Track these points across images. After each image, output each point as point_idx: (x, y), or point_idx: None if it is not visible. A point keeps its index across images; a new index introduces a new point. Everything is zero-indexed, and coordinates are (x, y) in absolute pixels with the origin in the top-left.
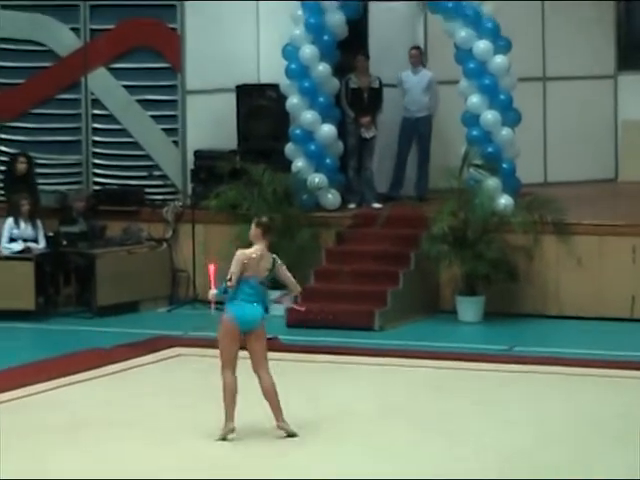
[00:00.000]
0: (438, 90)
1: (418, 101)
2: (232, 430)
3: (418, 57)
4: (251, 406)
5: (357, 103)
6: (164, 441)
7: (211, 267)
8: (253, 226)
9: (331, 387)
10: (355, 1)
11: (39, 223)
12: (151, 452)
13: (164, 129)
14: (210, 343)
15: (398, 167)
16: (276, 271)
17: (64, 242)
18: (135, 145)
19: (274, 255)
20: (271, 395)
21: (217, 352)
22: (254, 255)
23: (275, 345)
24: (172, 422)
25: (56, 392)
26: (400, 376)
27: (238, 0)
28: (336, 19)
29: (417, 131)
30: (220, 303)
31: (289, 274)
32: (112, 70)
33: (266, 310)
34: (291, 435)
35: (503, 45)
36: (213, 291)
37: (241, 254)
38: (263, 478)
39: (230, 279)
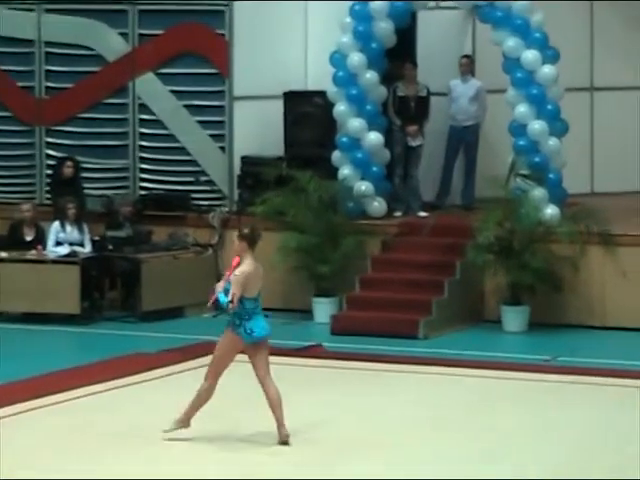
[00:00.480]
0: (486, 99)
1: (465, 110)
2: (183, 427)
3: (468, 66)
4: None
5: (404, 111)
6: (208, 446)
7: (235, 260)
8: (237, 240)
9: (374, 395)
10: (404, 9)
11: (85, 227)
12: (196, 456)
13: (211, 135)
14: None
15: (444, 176)
16: None
17: (110, 246)
18: (182, 150)
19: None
20: (277, 404)
21: None
22: (252, 272)
23: (319, 353)
24: (215, 427)
25: (101, 396)
26: (444, 385)
27: (287, 3)
28: (384, 27)
29: (464, 140)
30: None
31: None
32: (160, 75)
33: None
34: (283, 443)
35: (551, 55)
36: (220, 288)
37: (241, 275)
38: None
39: (232, 301)
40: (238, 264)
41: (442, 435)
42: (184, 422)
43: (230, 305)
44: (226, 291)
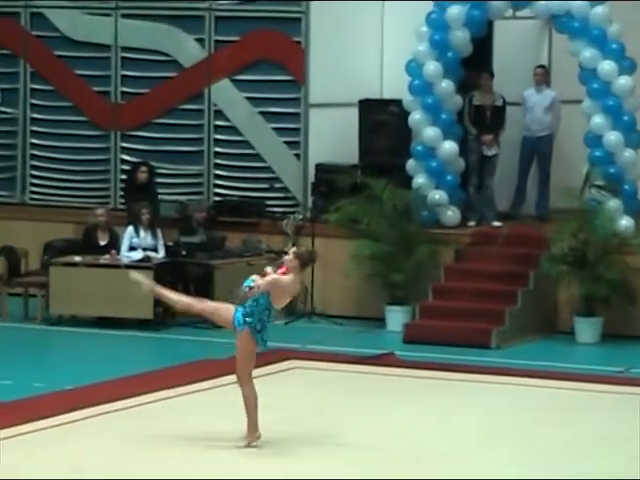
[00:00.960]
0: (561, 110)
1: (540, 120)
2: (258, 437)
3: (543, 76)
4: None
5: (480, 121)
6: (274, 455)
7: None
8: (291, 256)
9: (445, 404)
10: (480, 18)
11: (159, 232)
12: (260, 465)
13: (286, 142)
14: (327, 357)
15: (519, 186)
16: None
17: (183, 252)
18: (257, 157)
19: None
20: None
21: (332, 366)
22: (290, 286)
23: (391, 361)
24: (282, 435)
25: (172, 401)
26: (516, 395)
27: (364, 11)
28: (461, 36)
29: (538, 150)
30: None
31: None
32: (235, 82)
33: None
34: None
35: (628, 66)
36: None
37: (279, 280)
38: None
39: (252, 289)
40: (283, 274)
41: (511, 445)
42: (253, 433)
43: (247, 290)
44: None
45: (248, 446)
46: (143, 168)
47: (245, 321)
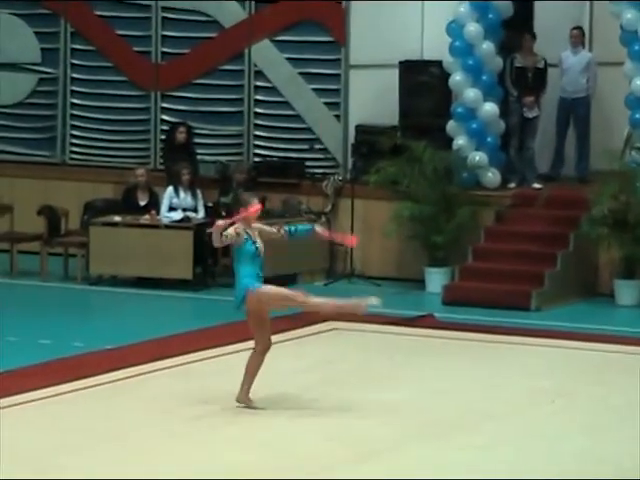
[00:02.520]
0: (597, 72)
1: (575, 82)
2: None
3: (579, 37)
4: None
5: (521, 82)
6: (312, 415)
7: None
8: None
9: (484, 366)
10: None
11: (199, 193)
12: (295, 424)
13: (326, 103)
14: (367, 318)
15: (557, 147)
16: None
17: (223, 213)
18: (297, 118)
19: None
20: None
21: (372, 327)
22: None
23: (431, 322)
24: (321, 396)
25: (212, 362)
26: (555, 357)
27: None
28: None
29: (574, 112)
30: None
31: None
32: (276, 42)
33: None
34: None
35: None
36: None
37: None
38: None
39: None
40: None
41: (551, 407)
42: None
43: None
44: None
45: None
46: (181, 128)
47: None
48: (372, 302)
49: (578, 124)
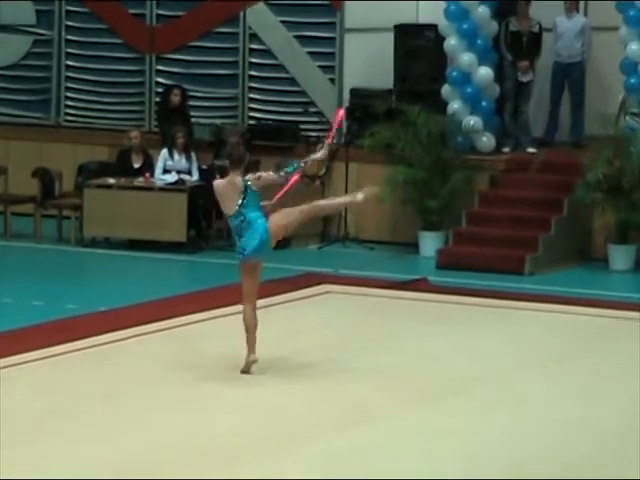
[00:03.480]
0: (592, 36)
1: (570, 46)
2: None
3: (573, 2)
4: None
5: (516, 47)
6: (307, 379)
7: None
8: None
9: (477, 330)
10: None
11: (193, 155)
12: (290, 388)
13: (321, 66)
14: (360, 282)
15: (552, 112)
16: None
17: (217, 175)
18: (291, 81)
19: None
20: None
21: (365, 290)
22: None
23: (424, 286)
24: (314, 360)
25: (206, 324)
26: (549, 322)
27: None
28: None
29: (569, 76)
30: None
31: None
32: (271, 5)
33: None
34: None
35: None
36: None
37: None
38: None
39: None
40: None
41: (543, 372)
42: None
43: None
44: None
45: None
46: (176, 91)
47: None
48: (373, 191)
49: (573, 89)
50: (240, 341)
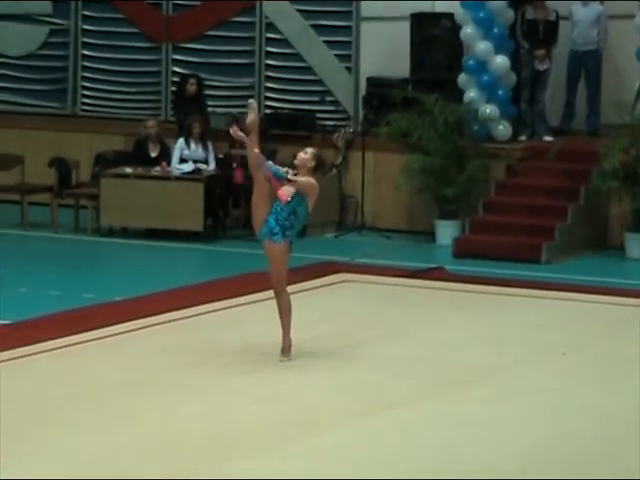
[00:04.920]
0: (607, 25)
1: (586, 34)
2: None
3: None
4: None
5: (532, 35)
6: (324, 368)
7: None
8: (310, 156)
9: (494, 319)
10: None
11: (210, 145)
12: (308, 377)
13: (337, 55)
14: (377, 270)
15: (568, 100)
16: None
17: (234, 164)
18: (308, 70)
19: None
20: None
21: (382, 279)
22: (316, 189)
23: (441, 275)
24: (330, 348)
25: (223, 313)
26: (566, 310)
27: None
28: None
29: (585, 65)
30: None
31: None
32: None
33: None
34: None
35: None
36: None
37: (312, 183)
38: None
39: (290, 181)
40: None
41: (561, 360)
42: (290, 347)
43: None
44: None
45: (285, 360)
46: (192, 80)
47: (284, 234)
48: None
49: (589, 77)
50: (257, 329)
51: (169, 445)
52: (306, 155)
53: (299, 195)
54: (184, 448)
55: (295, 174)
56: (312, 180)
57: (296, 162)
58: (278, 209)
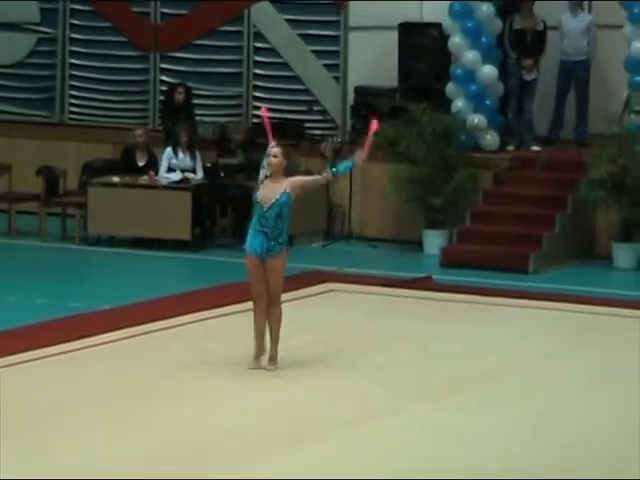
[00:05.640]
0: (597, 34)
1: (576, 45)
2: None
3: (578, 0)
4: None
5: (520, 45)
6: (310, 377)
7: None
8: (280, 158)
9: (481, 328)
10: None
11: (197, 154)
12: (293, 386)
13: (325, 64)
14: (364, 280)
15: (557, 110)
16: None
17: (222, 173)
18: (296, 79)
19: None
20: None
21: (369, 289)
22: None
23: (428, 285)
24: (316, 357)
25: (209, 322)
26: (553, 320)
27: None
28: None
29: (575, 75)
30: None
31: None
32: (276, 4)
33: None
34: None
35: None
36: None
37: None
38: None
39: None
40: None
41: (547, 369)
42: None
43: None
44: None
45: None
46: (180, 89)
47: (279, 242)
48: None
49: (578, 87)
50: (244, 338)
51: (156, 454)
52: (277, 158)
53: (286, 193)
54: (170, 457)
55: (266, 176)
56: (293, 178)
57: (271, 169)
58: (262, 221)
